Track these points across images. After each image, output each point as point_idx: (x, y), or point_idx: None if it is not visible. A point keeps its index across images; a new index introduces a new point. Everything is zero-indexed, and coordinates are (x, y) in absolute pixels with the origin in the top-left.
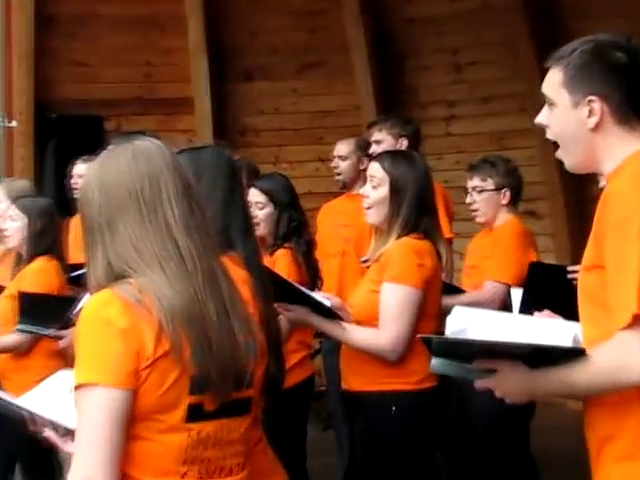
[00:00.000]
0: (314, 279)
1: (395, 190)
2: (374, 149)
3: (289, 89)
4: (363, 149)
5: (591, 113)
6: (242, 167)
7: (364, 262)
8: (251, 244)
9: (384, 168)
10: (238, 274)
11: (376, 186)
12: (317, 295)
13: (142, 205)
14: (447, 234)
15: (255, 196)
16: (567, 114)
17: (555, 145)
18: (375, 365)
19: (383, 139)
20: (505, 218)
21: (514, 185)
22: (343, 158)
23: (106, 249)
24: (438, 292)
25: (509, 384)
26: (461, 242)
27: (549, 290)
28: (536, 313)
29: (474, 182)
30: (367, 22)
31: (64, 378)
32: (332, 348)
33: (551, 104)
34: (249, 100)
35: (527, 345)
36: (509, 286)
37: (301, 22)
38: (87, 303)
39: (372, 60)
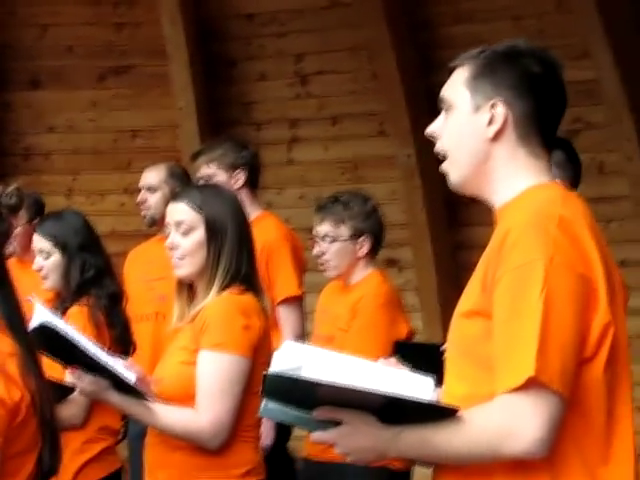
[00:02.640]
0: (124, 343)
1: (213, 232)
2: None
3: (87, 100)
4: (178, 177)
5: (492, 120)
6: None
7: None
8: (11, 302)
9: (194, 207)
10: (3, 345)
11: (187, 231)
12: (118, 363)
13: None
14: (295, 291)
15: (38, 242)
16: (465, 118)
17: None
18: (187, 454)
19: (214, 174)
20: (364, 273)
21: (374, 230)
22: (152, 190)
23: None
24: (269, 360)
25: (355, 440)
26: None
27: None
28: (381, 360)
29: (324, 228)
30: (189, 17)
31: None
32: (139, 433)
33: (448, 108)
34: (35, 113)
35: (390, 396)
36: None
37: (104, 15)
38: None
39: (195, 66)
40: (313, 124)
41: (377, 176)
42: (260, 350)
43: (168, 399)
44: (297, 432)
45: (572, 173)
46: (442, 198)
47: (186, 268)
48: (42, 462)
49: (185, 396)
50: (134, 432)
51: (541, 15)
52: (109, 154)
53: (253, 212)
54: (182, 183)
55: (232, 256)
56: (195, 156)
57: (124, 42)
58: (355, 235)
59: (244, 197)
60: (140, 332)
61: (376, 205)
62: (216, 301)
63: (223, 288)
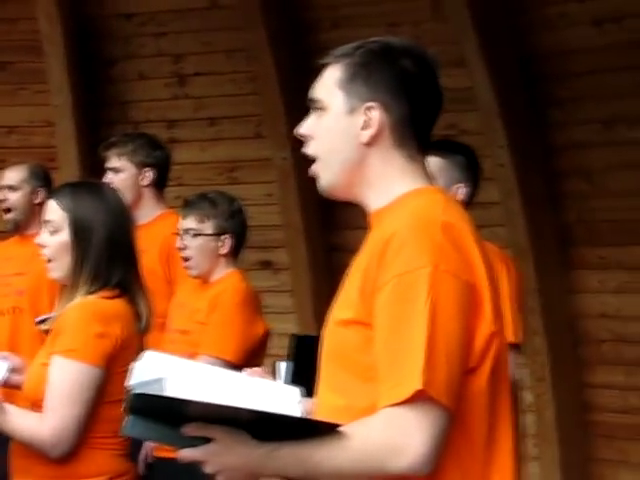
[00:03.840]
0: None
1: (78, 233)
2: (110, 178)
3: None
4: (39, 178)
5: (367, 124)
6: None
7: (39, 323)
8: None
9: (62, 207)
10: None
11: (54, 231)
12: None
13: None
14: None
15: None
16: (338, 120)
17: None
18: (43, 462)
19: (122, 168)
20: (223, 272)
21: (237, 231)
22: (14, 188)
23: None
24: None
25: (226, 457)
26: None
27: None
28: (246, 370)
29: (188, 223)
30: (67, 15)
31: None
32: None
33: (320, 108)
34: None
35: (262, 412)
36: (229, 363)
37: None
38: None
39: (72, 64)
40: (190, 125)
41: (253, 178)
42: (119, 359)
43: (28, 399)
44: None
45: (474, 177)
46: (317, 200)
47: (56, 271)
48: None
49: (40, 399)
50: None
51: (417, 23)
52: None
53: (157, 211)
54: (43, 184)
55: (100, 260)
56: (107, 147)
57: (1, 38)
58: (218, 233)
59: (149, 195)
60: None
61: (242, 207)
62: (75, 305)
63: (91, 292)
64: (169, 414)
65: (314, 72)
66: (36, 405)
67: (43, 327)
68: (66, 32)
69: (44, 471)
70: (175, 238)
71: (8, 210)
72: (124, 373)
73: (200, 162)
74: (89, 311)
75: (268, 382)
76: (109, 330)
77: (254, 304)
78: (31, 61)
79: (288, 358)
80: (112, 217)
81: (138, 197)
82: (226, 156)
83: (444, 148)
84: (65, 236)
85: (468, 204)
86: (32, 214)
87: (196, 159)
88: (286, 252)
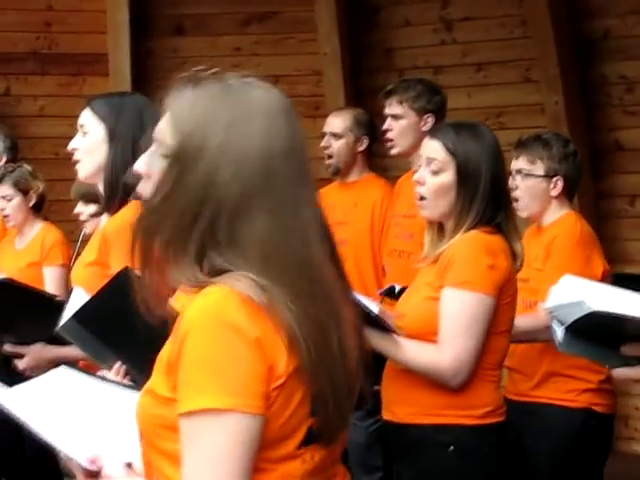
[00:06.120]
0: None
1: (465, 177)
2: (389, 124)
3: (231, 46)
4: (363, 125)
5: None
6: None
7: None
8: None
9: (447, 148)
10: None
11: (437, 171)
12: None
13: (279, 189)
14: None
15: None
16: None
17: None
18: (426, 391)
19: (404, 114)
20: (557, 214)
21: (569, 173)
22: (337, 136)
23: (215, 242)
24: (512, 301)
25: None
26: None
27: None
28: None
29: (520, 163)
30: None
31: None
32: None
33: None
34: (179, 59)
35: None
36: None
37: None
38: (198, 302)
39: (340, 12)
40: (457, 71)
41: (522, 123)
42: (504, 291)
43: (410, 334)
44: None
45: None
46: (588, 146)
47: (429, 209)
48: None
49: (427, 332)
50: None
51: None
52: None
53: None
54: (367, 131)
55: (485, 205)
56: (388, 93)
57: None
58: (549, 175)
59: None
60: None
61: (576, 150)
62: (464, 239)
63: (471, 228)
64: (605, 333)
65: (587, 15)
66: (422, 338)
67: (422, 264)
68: None
69: (426, 400)
70: None
71: (330, 157)
72: (509, 304)
73: (467, 108)
74: (478, 244)
75: None
76: (498, 262)
77: (591, 244)
78: (299, 10)
79: None
80: (494, 159)
81: (418, 143)
82: (493, 101)
83: None
84: (448, 178)
85: None
86: (353, 161)
87: (463, 105)
88: None
